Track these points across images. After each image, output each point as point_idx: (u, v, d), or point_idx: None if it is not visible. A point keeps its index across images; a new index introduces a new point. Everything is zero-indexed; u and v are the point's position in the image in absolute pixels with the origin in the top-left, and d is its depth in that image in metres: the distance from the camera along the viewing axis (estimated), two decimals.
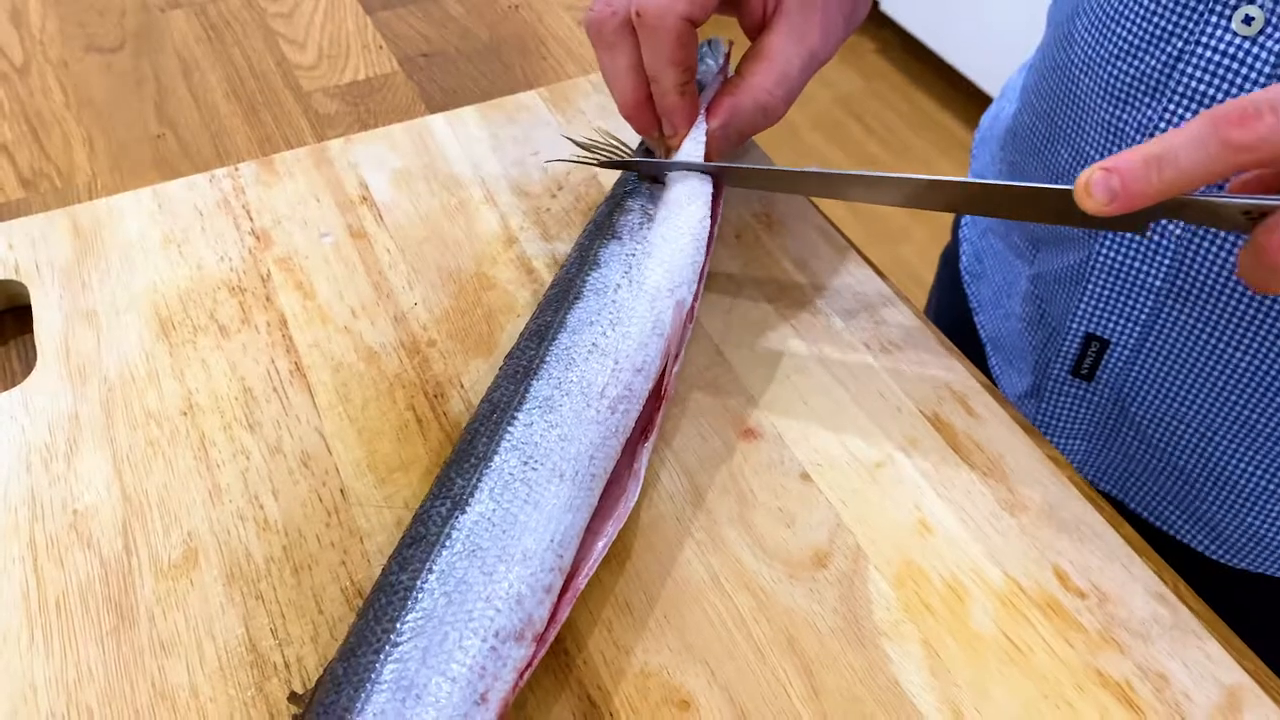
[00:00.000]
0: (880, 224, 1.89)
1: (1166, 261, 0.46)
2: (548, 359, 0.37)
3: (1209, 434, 0.49)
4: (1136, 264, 0.47)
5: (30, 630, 0.35)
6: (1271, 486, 0.49)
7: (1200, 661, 0.35)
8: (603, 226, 0.43)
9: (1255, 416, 0.47)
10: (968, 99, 2.12)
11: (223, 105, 0.60)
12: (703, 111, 0.45)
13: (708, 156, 0.44)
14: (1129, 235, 0.47)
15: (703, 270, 0.44)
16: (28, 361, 0.45)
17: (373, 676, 0.30)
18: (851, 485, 0.40)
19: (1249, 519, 0.51)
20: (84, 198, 0.53)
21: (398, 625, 0.31)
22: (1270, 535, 0.51)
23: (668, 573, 0.37)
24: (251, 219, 0.50)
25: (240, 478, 0.40)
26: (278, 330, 0.45)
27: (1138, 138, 0.46)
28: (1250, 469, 0.49)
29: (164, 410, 0.42)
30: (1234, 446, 0.49)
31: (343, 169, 0.52)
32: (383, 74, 0.62)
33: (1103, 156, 0.46)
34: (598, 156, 0.46)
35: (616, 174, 0.48)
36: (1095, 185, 0.35)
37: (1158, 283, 0.47)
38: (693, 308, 0.43)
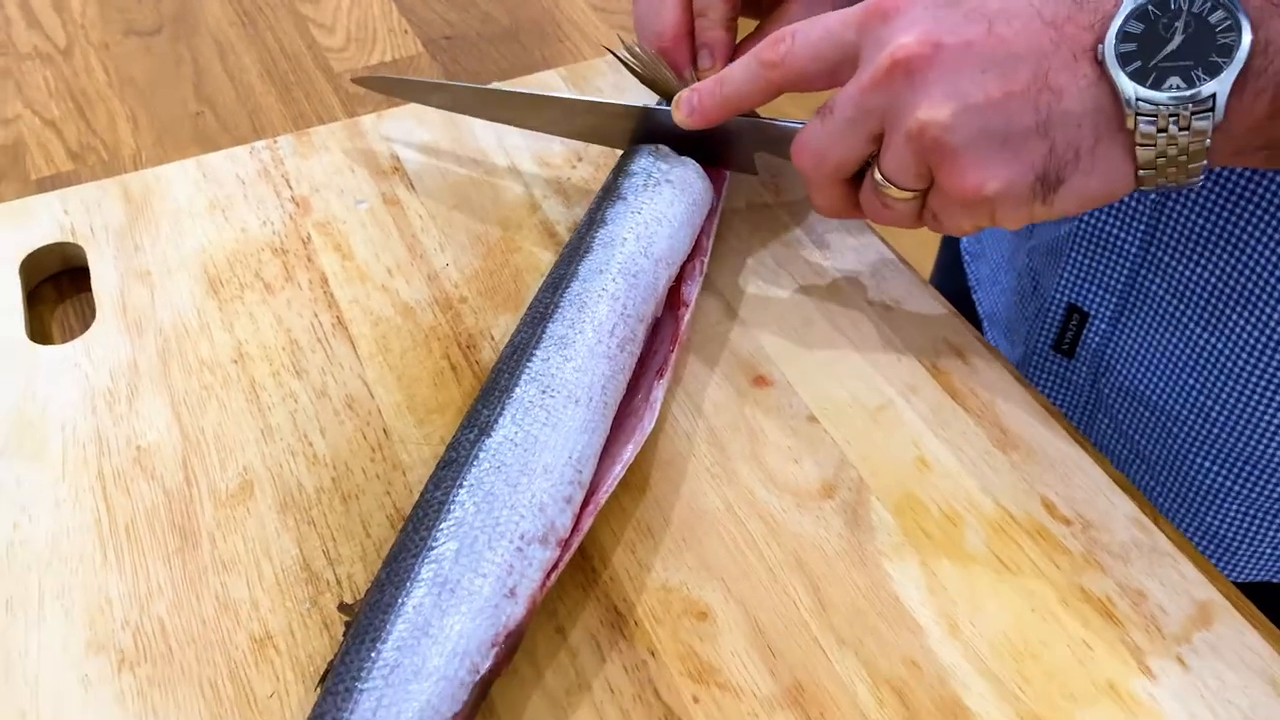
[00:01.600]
0: None
1: (1141, 227, 0.49)
2: (562, 304, 0.41)
3: (1169, 420, 0.52)
4: (1114, 229, 0.50)
5: (103, 551, 0.39)
6: (1227, 483, 0.52)
7: (1175, 580, 0.38)
8: (610, 190, 0.46)
9: (1212, 404, 0.50)
10: None
11: (257, 85, 0.63)
12: None
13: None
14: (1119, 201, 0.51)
15: (711, 231, 0.47)
16: (84, 319, 0.49)
17: (412, 576, 0.33)
18: (855, 426, 0.43)
19: (1208, 518, 0.53)
20: (130, 169, 0.56)
21: (433, 533, 0.34)
22: (1231, 537, 0.53)
23: (685, 501, 0.40)
24: (290, 187, 0.53)
25: (290, 418, 0.43)
26: (319, 287, 0.48)
27: None
28: (1206, 462, 0.52)
29: (216, 359, 0.45)
30: (1191, 435, 0.51)
31: (375, 142, 0.56)
32: (408, 55, 0.65)
33: None
34: (640, 70, 0.49)
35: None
36: (682, 103, 0.44)
37: (1133, 249, 0.50)
38: (699, 261, 0.46)
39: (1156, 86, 0.33)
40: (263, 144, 0.55)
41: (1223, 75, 0.33)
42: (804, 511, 0.40)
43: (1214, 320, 0.48)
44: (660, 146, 0.47)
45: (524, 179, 0.54)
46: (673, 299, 0.45)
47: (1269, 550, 0.52)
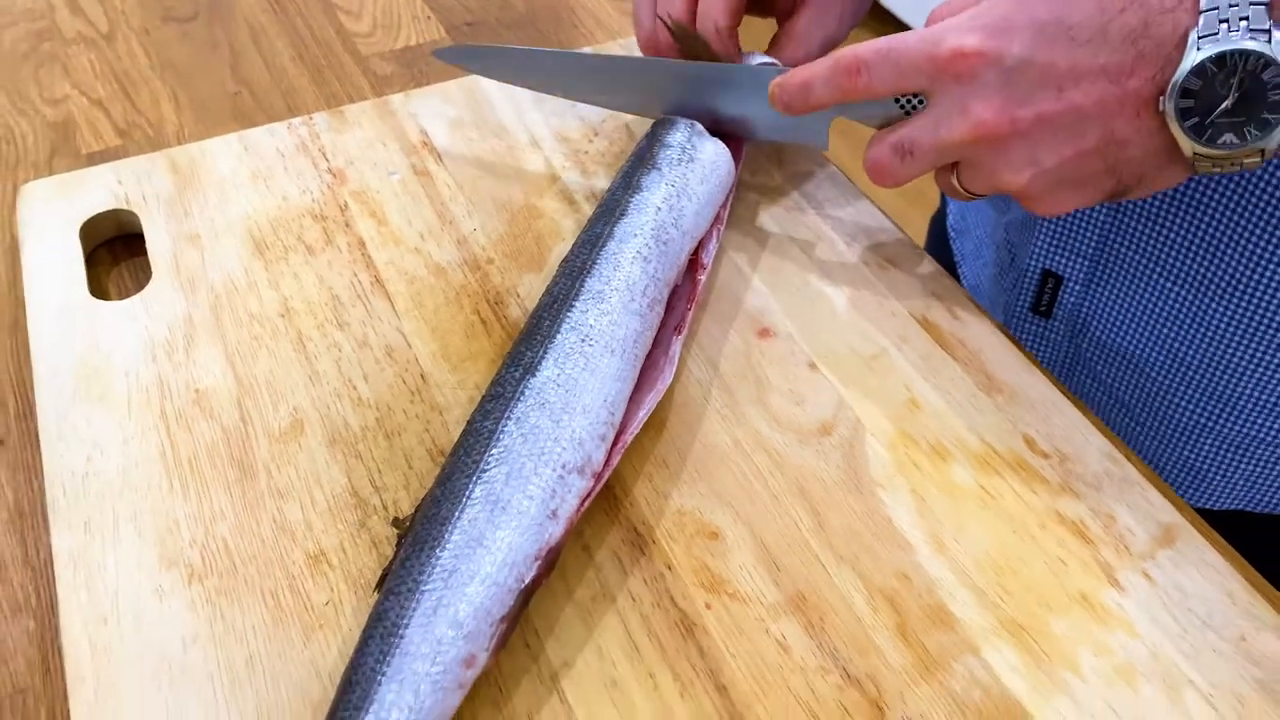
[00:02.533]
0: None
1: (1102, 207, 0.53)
2: (599, 261, 0.44)
3: (1145, 368, 0.56)
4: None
5: (169, 480, 0.42)
6: (1202, 420, 0.55)
7: (1142, 505, 0.42)
8: (644, 158, 0.50)
9: (1184, 349, 0.54)
10: None
11: (290, 67, 0.67)
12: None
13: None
14: None
15: (728, 202, 0.51)
16: (139, 280, 0.52)
17: (466, 494, 0.37)
18: (852, 373, 0.47)
19: (1184, 452, 0.57)
20: (174, 144, 0.60)
21: (484, 458, 0.38)
22: (1207, 469, 0.57)
23: (698, 439, 0.44)
24: (327, 159, 0.57)
25: (335, 365, 0.47)
26: (357, 250, 0.52)
27: None
28: (1182, 402, 0.56)
29: (264, 313, 0.49)
30: (1166, 379, 0.55)
31: (404, 118, 0.60)
32: (432, 40, 0.69)
33: None
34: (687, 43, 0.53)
35: (647, 122, 0.55)
36: (776, 99, 0.48)
37: (1101, 217, 0.54)
38: (716, 229, 0.50)
39: (1212, 143, 0.38)
40: (299, 120, 0.59)
41: (1274, 132, 0.37)
42: (805, 447, 0.44)
43: (1180, 274, 0.52)
44: (694, 123, 0.51)
45: (544, 152, 0.58)
46: (691, 263, 0.49)
47: (1240, 480, 0.56)
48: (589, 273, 0.44)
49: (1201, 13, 0.37)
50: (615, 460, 0.41)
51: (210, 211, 0.54)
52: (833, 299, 0.50)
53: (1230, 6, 0.37)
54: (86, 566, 0.40)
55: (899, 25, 2.32)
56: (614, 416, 0.41)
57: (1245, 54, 0.37)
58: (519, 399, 0.40)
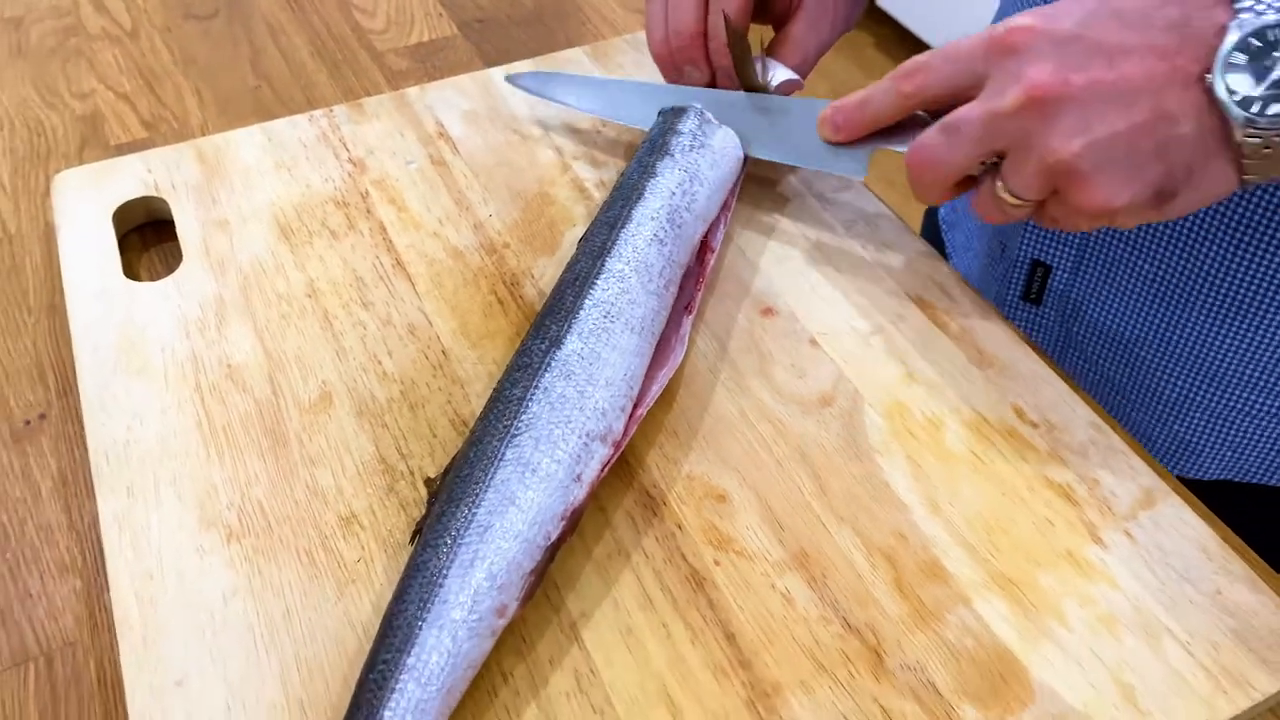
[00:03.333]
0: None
1: None
2: (618, 242, 0.47)
3: (1134, 348, 0.59)
4: None
5: (206, 448, 0.45)
6: (1189, 395, 0.58)
7: (1125, 470, 0.45)
8: (657, 145, 0.52)
9: (1170, 329, 0.56)
10: None
11: (308, 63, 0.70)
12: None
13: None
14: None
15: (736, 189, 0.54)
16: (168, 264, 0.55)
17: (498, 456, 0.39)
18: (851, 348, 0.49)
19: (1175, 427, 0.60)
20: (199, 136, 0.63)
21: (514, 424, 0.41)
22: (1195, 441, 0.60)
23: (705, 410, 0.47)
24: (348, 149, 0.59)
25: (360, 342, 0.49)
26: (379, 234, 0.55)
27: None
28: (1169, 379, 0.58)
29: (292, 293, 0.52)
30: (1155, 358, 0.58)
31: (420, 111, 0.62)
32: (444, 36, 0.72)
33: None
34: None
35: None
36: (827, 122, 0.51)
37: None
38: (724, 215, 0.53)
39: (1263, 112, 0.38)
40: (320, 113, 0.62)
41: None
42: (807, 417, 0.46)
43: (1163, 258, 0.54)
44: (704, 111, 0.54)
45: (555, 143, 0.60)
46: (701, 246, 0.51)
47: (1227, 451, 0.59)
48: (609, 253, 0.47)
49: (1236, 8, 0.38)
50: (631, 431, 0.43)
51: (237, 198, 0.56)
52: (832, 280, 0.52)
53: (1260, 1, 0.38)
54: (131, 528, 0.42)
55: (895, 25, 2.35)
56: (633, 390, 0.43)
57: None
58: (545, 369, 0.42)
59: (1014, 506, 0.43)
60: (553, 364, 0.43)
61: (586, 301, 0.45)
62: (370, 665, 0.36)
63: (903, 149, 0.47)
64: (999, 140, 0.42)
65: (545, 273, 0.53)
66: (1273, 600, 0.40)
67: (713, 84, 0.57)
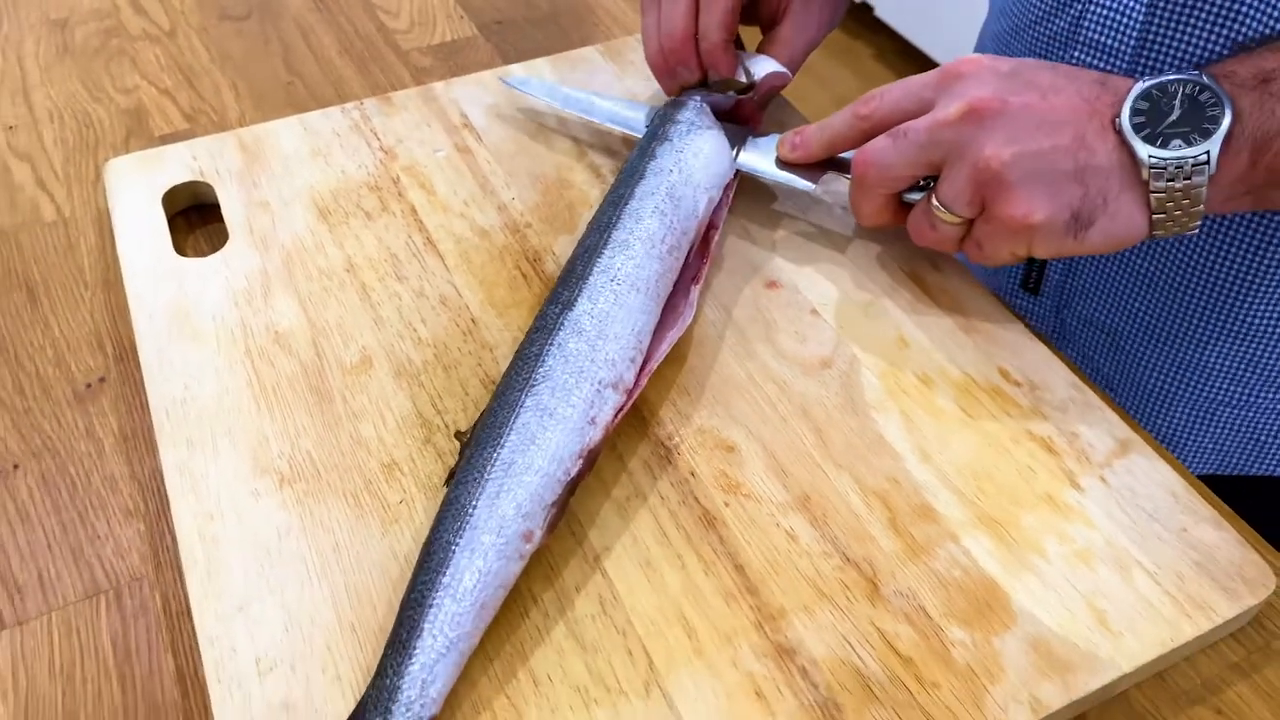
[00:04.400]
0: None
1: None
2: (623, 216, 0.51)
3: (1121, 340, 0.63)
4: None
5: (257, 403, 0.49)
6: (1173, 387, 0.62)
7: (1101, 424, 0.49)
8: (657, 133, 0.56)
9: (1156, 321, 0.60)
10: None
11: (337, 60, 0.74)
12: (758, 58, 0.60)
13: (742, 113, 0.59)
14: None
15: (737, 175, 0.58)
16: (213, 243, 0.59)
17: (519, 404, 0.44)
18: (848, 316, 0.53)
19: (1158, 420, 0.64)
20: (237, 127, 0.67)
21: (532, 375, 0.45)
22: (1178, 435, 0.64)
23: (714, 371, 0.51)
24: (379, 139, 0.64)
25: (396, 312, 0.53)
26: (410, 216, 0.59)
27: None
28: (1155, 372, 0.62)
29: (331, 268, 0.56)
30: (1141, 350, 0.62)
31: (446, 104, 0.66)
32: (465, 37, 0.76)
33: None
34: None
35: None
36: (786, 140, 0.55)
37: None
38: (727, 196, 0.57)
39: (1163, 147, 0.43)
40: (351, 105, 0.66)
41: (1213, 137, 0.43)
42: (808, 377, 0.50)
43: (1151, 252, 0.58)
44: (701, 103, 0.58)
45: (571, 133, 0.64)
46: (707, 226, 0.55)
47: (1210, 444, 0.62)
48: (615, 225, 0.51)
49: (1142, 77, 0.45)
50: (643, 383, 0.47)
51: (277, 183, 0.61)
52: (831, 257, 0.57)
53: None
54: (191, 475, 0.46)
55: (892, 35, 2.40)
56: (641, 343, 0.48)
57: (1181, 81, 0.44)
58: (559, 329, 0.46)
59: (999, 456, 0.47)
60: (565, 323, 0.47)
61: (594, 268, 0.49)
62: (411, 587, 0.40)
63: (849, 176, 0.51)
64: (939, 148, 0.47)
65: (565, 249, 0.57)
66: (1234, 537, 0.44)
67: (704, 84, 0.60)
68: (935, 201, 0.48)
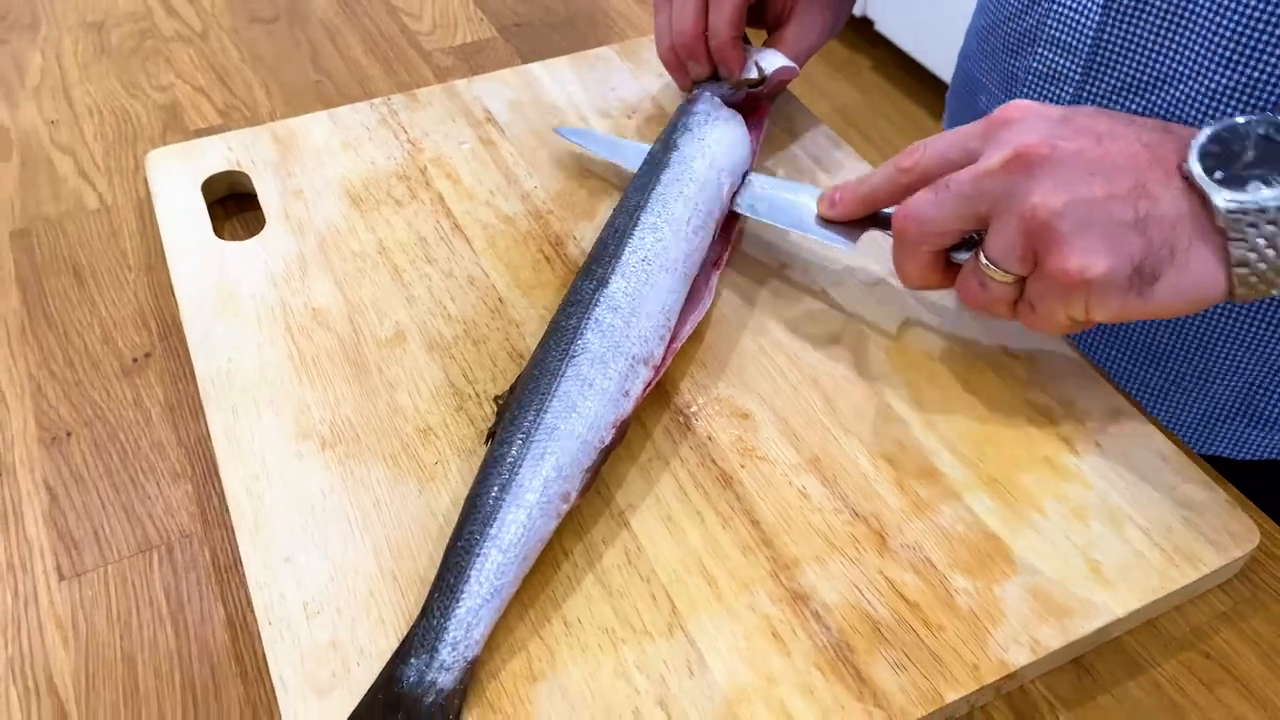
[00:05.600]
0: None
1: None
2: (651, 200, 0.54)
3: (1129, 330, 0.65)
4: None
5: (297, 375, 0.52)
6: (1172, 347, 0.64)
7: (1097, 395, 0.51)
8: (678, 124, 0.59)
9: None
10: None
11: (363, 60, 0.77)
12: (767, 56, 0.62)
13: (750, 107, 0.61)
14: None
15: (752, 165, 0.61)
16: (250, 230, 0.62)
17: (560, 373, 0.46)
18: (856, 296, 0.56)
19: (1150, 374, 0.66)
20: (269, 121, 0.70)
21: (571, 347, 0.47)
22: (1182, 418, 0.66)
23: (730, 347, 0.54)
24: (406, 132, 0.67)
25: (427, 291, 0.56)
26: (438, 203, 0.62)
27: (1028, 79, 0.62)
28: (1156, 345, 0.65)
29: (364, 250, 0.59)
30: (1141, 328, 0.64)
31: (469, 100, 0.70)
32: (485, 38, 0.80)
33: (1004, 98, 0.64)
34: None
35: (676, 102, 0.65)
36: (825, 198, 0.53)
37: None
38: (746, 184, 0.60)
39: (1240, 188, 0.39)
40: (379, 101, 0.69)
41: None
42: (818, 351, 0.53)
43: None
44: (715, 97, 0.61)
45: (590, 126, 0.67)
46: (728, 216, 0.58)
47: (1217, 425, 0.64)
48: (643, 209, 0.54)
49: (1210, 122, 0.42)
50: (669, 361, 0.50)
51: (310, 173, 0.64)
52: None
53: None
54: (237, 439, 0.49)
55: (891, 48, 2.43)
56: (670, 320, 0.50)
57: (1254, 121, 0.40)
58: (595, 304, 0.49)
59: (1000, 423, 0.50)
60: (601, 300, 0.49)
61: (626, 249, 0.52)
62: (457, 537, 0.43)
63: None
64: (985, 199, 0.43)
65: (585, 235, 0.60)
66: (1221, 496, 0.47)
67: (715, 77, 0.63)
68: (983, 258, 0.44)
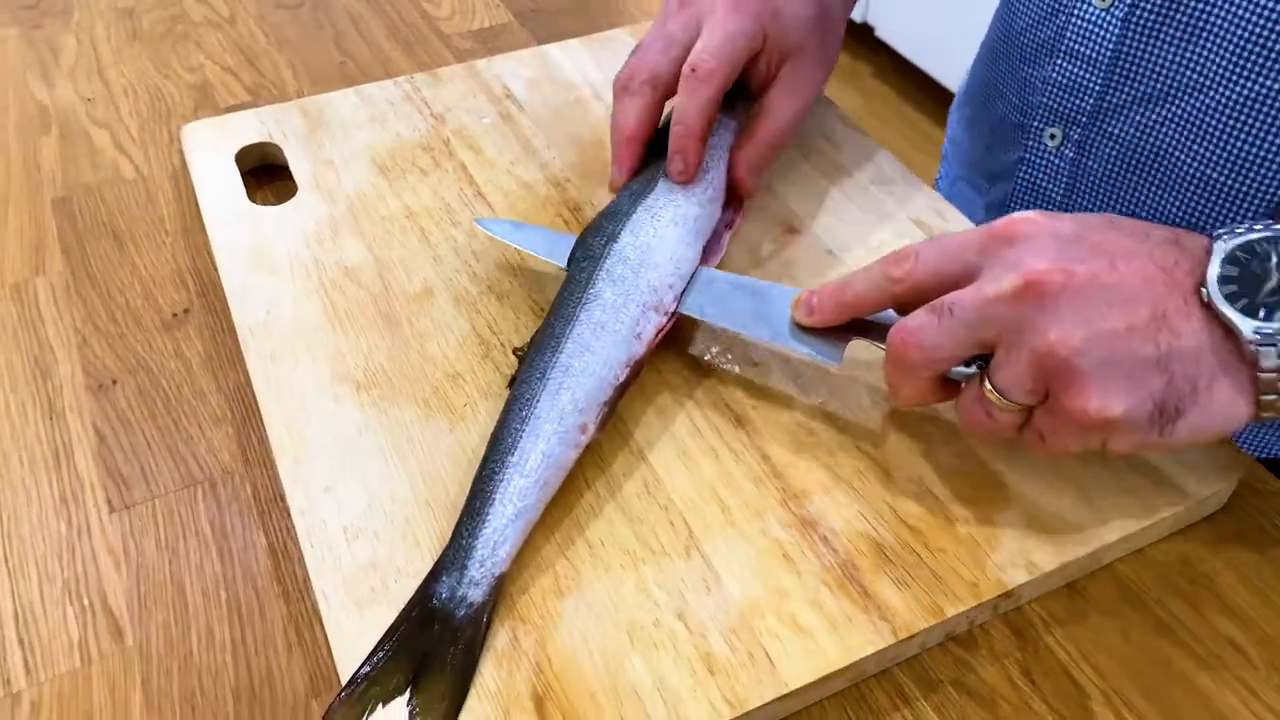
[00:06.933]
0: None
1: (1064, 178, 0.65)
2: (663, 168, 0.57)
3: None
4: (1043, 181, 0.66)
5: (331, 326, 0.55)
6: None
7: None
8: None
9: None
10: None
11: (385, 44, 0.80)
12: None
13: (739, 185, 0.59)
14: (1045, 163, 0.66)
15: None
16: (280, 198, 0.65)
17: (574, 319, 0.49)
18: (861, 256, 0.59)
19: None
20: (296, 99, 0.73)
21: (585, 295, 0.50)
22: None
23: None
24: (429, 108, 0.70)
25: (453, 251, 0.59)
26: (461, 172, 0.65)
27: (1046, 89, 0.64)
28: None
29: (393, 214, 0.62)
30: None
31: (489, 78, 0.73)
32: (502, 23, 0.83)
33: (1021, 106, 0.66)
34: None
35: None
36: (802, 303, 0.47)
37: (1058, 195, 0.66)
38: None
39: (1268, 319, 0.37)
40: (402, 79, 0.72)
41: None
42: None
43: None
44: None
45: (604, 101, 0.71)
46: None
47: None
48: (660, 175, 0.56)
49: (1215, 233, 0.40)
50: (678, 307, 0.53)
51: (338, 144, 0.67)
52: (845, 206, 0.62)
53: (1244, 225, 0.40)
54: (277, 382, 0.52)
55: (892, 54, 2.47)
56: (680, 270, 0.53)
57: (1269, 239, 0.39)
58: (606, 257, 0.52)
59: None
60: (611, 253, 0.52)
61: (638, 207, 0.55)
62: (483, 466, 0.45)
63: (884, 346, 0.44)
64: (992, 327, 0.40)
65: (601, 201, 0.63)
66: None
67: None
68: (989, 386, 0.42)
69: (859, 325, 0.47)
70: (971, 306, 0.40)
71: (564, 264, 0.53)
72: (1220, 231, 0.40)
